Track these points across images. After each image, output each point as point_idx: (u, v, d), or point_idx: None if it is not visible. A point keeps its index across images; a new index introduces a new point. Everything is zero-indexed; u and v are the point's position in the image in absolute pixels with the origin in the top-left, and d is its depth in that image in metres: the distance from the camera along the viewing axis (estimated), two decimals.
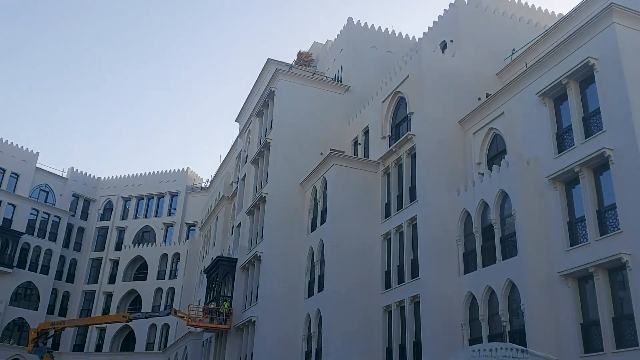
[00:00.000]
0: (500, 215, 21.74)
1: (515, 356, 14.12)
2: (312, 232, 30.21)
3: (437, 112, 26.01)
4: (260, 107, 36.89)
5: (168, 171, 62.14)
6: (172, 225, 60.02)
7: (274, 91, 34.70)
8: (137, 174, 63.15)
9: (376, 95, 31.10)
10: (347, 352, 25.18)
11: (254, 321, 29.48)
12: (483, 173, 23.35)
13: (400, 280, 25.51)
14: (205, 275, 39.31)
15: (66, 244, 58.60)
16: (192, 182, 62.34)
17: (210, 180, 60.29)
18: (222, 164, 54.57)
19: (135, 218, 61.32)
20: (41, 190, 58.71)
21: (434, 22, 32.98)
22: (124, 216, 61.76)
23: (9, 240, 52.44)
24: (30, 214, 55.41)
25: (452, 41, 29.85)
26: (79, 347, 55.92)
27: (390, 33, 39.08)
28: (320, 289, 27.63)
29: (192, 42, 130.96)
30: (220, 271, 34.67)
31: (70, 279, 58.86)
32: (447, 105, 26.25)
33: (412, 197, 25.87)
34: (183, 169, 62.06)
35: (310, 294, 28.91)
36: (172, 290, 54.87)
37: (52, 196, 59.38)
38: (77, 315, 56.58)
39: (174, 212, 60.47)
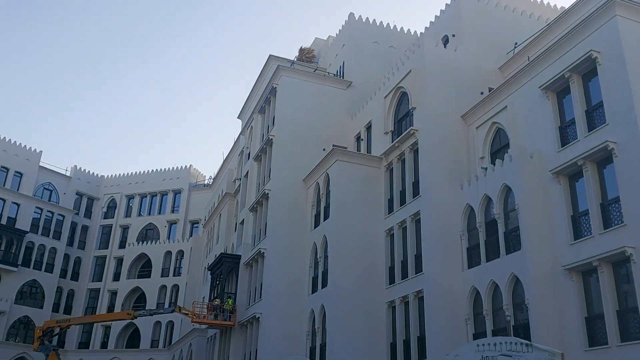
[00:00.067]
0: (504, 210, 21.71)
1: (520, 350, 14.09)
2: (315, 228, 30.23)
3: (440, 107, 25.96)
4: (263, 103, 36.87)
5: (171, 169, 62.24)
6: (175, 223, 60.13)
7: (275, 88, 34.67)
8: (140, 171, 63.26)
9: (378, 91, 31.05)
10: (351, 348, 25.23)
11: (258, 317, 29.55)
12: (486, 167, 23.32)
13: (404, 275, 25.52)
14: (209, 272, 39.38)
15: (70, 242, 58.79)
16: (195, 180, 62.43)
17: (213, 177, 60.37)
18: (224, 161, 54.62)
19: (139, 216, 61.44)
20: (45, 188, 58.86)
21: (436, 16, 32.87)
22: (128, 214, 61.90)
23: (14, 238, 52.63)
24: (34, 212, 55.58)
25: (454, 35, 29.76)
26: (84, 344, 56.16)
27: (392, 28, 38.98)
28: (324, 284, 27.66)
29: (193, 40, 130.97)
30: (224, 268, 34.73)
31: (75, 277, 59.07)
32: (449, 99, 26.19)
33: (415, 193, 25.85)
34: (186, 166, 62.13)
35: (314, 289, 28.95)
36: (176, 288, 55.02)
37: (56, 195, 59.53)
38: (82, 313, 56.80)
39: (177, 209, 60.57)
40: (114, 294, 57.46)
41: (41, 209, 56.16)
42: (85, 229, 61.13)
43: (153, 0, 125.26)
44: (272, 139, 33.33)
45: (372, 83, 33.26)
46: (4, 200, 53.45)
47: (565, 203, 19.82)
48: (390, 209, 27.74)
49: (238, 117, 48.88)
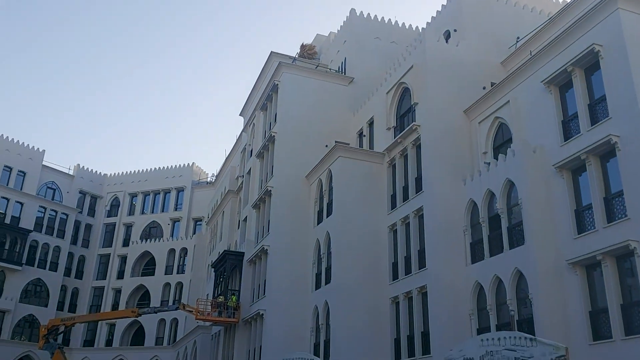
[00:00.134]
0: (507, 205, 21.69)
1: (524, 345, 14.09)
2: (318, 224, 30.24)
3: (442, 102, 25.91)
4: (265, 100, 36.86)
5: (173, 166, 62.31)
6: (178, 221, 60.24)
7: (277, 84, 34.66)
8: (142, 169, 63.37)
9: (380, 87, 31.01)
10: (355, 344, 25.27)
11: (262, 314, 29.61)
12: (489, 162, 23.28)
13: (408, 271, 25.54)
14: (212, 269, 39.47)
15: (74, 241, 58.96)
16: (197, 177, 62.50)
17: (215, 174, 60.43)
18: (227, 158, 54.65)
19: (142, 214, 61.57)
20: (48, 187, 59.01)
21: (438, 11, 32.80)
22: (131, 212, 62.05)
23: (18, 237, 52.81)
24: (38, 211, 55.73)
25: (455, 30, 29.68)
26: (89, 342, 56.38)
27: (393, 24, 38.90)
28: (328, 281, 27.70)
29: (194, 38, 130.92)
30: (228, 265, 34.79)
31: (79, 275, 59.26)
32: (451, 95, 26.14)
33: (418, 188, 25.83)
34: (188, 164, 62.18)
35: (318, 286, 28.99)
36: (180, 285, 55.15)
37: (59, 193, 59.68)
38: (86, 311, 56.99)
39: (180, 207, 60.67)
40: (118, 292, 57.63)
41: (45, 208, 56.32)
42: (88, 227, 61.30)
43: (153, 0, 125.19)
44: (274, 135, 33.33)
45: (374, 79, 33.21)
46: (8, 200, 53.59)
47: (568, 197, 19.79)
48: (393, 205, 27.74)
49: (240, 115, 48.87)
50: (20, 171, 55.94)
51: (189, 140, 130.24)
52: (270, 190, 31.96)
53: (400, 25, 39.07)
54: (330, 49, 40.98)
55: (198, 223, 60.07)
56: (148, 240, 58.41)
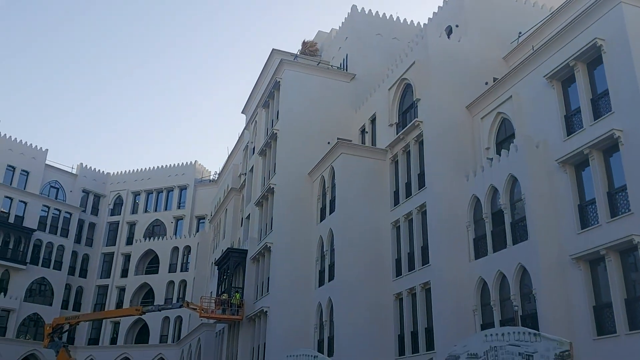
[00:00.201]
0: (510, 200, 21.66)
1: (528, 340, 14.09)
2: (321, 221, 30.26)
3: (444, 98, 25.87)
4: (266, 98, 36.85)
5: (176, 165, 62.38)
6: (182, 219, 60.34)
7: (279, 82, 34.64)
8: (145, 168, 63.46)
9: (382, 83, 30.97)
10: (359, 340, 25.30)
11: (266, 311, 29.66)
12: (492, 158, 23.25)
13: (411, 267, 25.54)
14: (216, 267, 39.53)
15: (78, 240, 59.11)
16: (200, 175, 62.57)
17: (218, 172, 60.50)
18: (229, 156, 54.67)
19: (145, 212, 61.68)
20: (51, 187, 59.15)
21: (439, 7, 32.70)
22: (134, 210, 62.16)
23: (21, 237, 52.97)
24: (42, 210, 55.87)
25: (457, 26, 29.61)
26: (93, 340, 56.57)
27: (395, 20, 38.83)
28: (331, 278, 27.72)
29: (196, 37, 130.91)
30: (231, 263, 34.85)
31: (83, 274, 59.42)
32: (454, 90, 26.09)
33: (421, 184, 25.81)
34: (191, 162, 62.24)
35: (321, 283, 29.01)
36: (184, 283, 55.27)
37: (63, 192, 59.81)
38: (91, 309, 57.18)
39: (184, 205, 60.75)
40: (122, 290, 57.78)
41: (48, 207, 56.46)
42: (92, 226, 61.44)
43: None
44: (276, 133, 33.33)
45: (376, 75, 33.16)
46: (11, 199, 53.73)
47: (571, 192, 19.75)
48: (396, 201, 27.73)
49: (242, 112, 48.83)
50: (24, 170, 56.06)
51: (192, 138, 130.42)
52: (273, 188, 31.97)
53: (401, 21, 39.01)
54: (332, 46, 40.93)
55: (201, 221, 60.16)
56: (151, 238, 58.51)
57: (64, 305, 56.02)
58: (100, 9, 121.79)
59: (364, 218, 27.71)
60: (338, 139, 30.79)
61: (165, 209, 61.19)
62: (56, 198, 58.71)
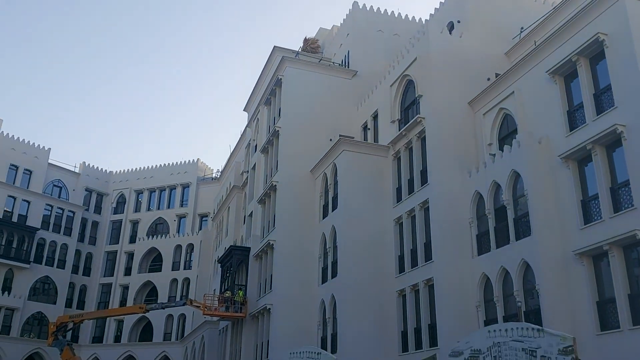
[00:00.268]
0: (513, 196, 21.63)
1: (531, 335, 14.07)
2: (323, 218, 30.26)
3: (446, 94, 25.83)
4: (268, 95, 36.83)
5: (179, 163, 62.43)
6: (184, 217, 60.40)
7: (281, 79, 34.61)
8: (148, 166, 63.54)
9: (384, 79, 30.92)
10: (362, 337, 25.32)
11: (269, 309, 29.70)
12: (494, 154, 23.22)
13: (414, 264, 25.54)
14: (219, 264, 39.58)
15: (81, 238, 59.23)
16: (202, 173, 62.59)
17: (220, 170, 60.51)
18: (232, 154, 54.69)
19: (148, 210, 61.77)
20: (54, 185, 59.24)
21: (441, 3, 32.63)
22: (137, 209, 62.23)
23: (25, 236, 53.10)
24: (45, 209, 55.97)
25: (459, 22, 29.55)
26: (98, 338, 56.72)
27: (396, 16, 38.75)
28: (334, 275, 27.73)
29: (197, 34, 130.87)
30: (234, 260, 34.89)
31: (87, 272, 59.55)
32: (456, 86, 26.04)
33: (424, 181, 25.79)
34: (193, 160, 62.29)
35: (324, 280, 29.03)
36: (187, 281, 55.36)
37: (66, 191, 59.91)
38: (94, 307, 57.30)
39: (186, 203, 60.81)
40: (125, 288, 57.89)
41: (51, 206, 56.57)
42: (95, 224, 61.55)
43: None
44: (278, 130, 33.32)
45: (378, 72, 33.12)
46: (15, 198, 53.84)
47: (574, 188, 19.71)
48: (399, 198, 27.71)
49: (244, 110, 48.84)
50: (27, 170, 56.15)
51: (194, 136, 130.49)
52: (275, 185, 31.98)
53: (403, 17, 38.94)
54: (333, 43, 40.88)
55: (204, 219, 60.21)
56: (154, 236, 58.60)
57: (68, 304, 56.17)
58: (101, 7, 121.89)
59: (367, 215, 27.70)
60: (340, 136, 30.77)
61: (168, 207, 61.25)
62: (59, 197, 58.81)
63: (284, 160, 32.32)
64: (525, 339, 14.21)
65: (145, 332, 55.67)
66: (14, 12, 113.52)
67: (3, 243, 51.58)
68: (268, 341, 29.59)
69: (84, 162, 62.52)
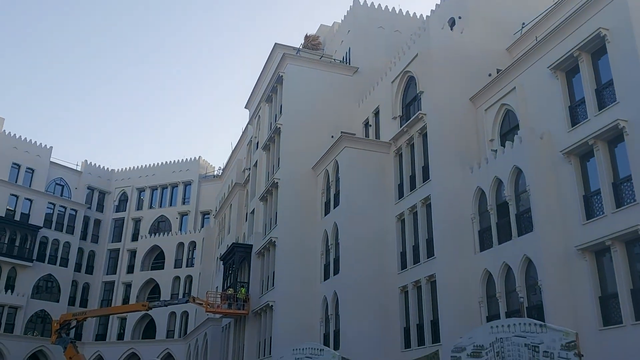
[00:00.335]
0: (515, 192, 21.61)
1: (534, 331, 14.08)
2: (325, 215, 30.27)
3: (448, 90, 25.79)
4: (269, 92, 36.82)
5: (180, 161, 62.48)
6: (186, 214, 60.47)
7: (282, 76, 34.59)
8: (150, 164, 63.58)
9: (385, 76, 30.89)
10: (364, 333, 25.35)
11: (272, 305, 29.75)
12: (496, 150, 23.20)
13: (416, 260, 25.55)
14: (221, 262, 39.64)
15: (84, 236, 59.33)
16: (204, 171, 62.65)
17: (222, 168, 60.54)
18: (233, 151, 54.71)
19: (150, 208, 61.85)
20: (56, 184, 59.32)
21: None
22: (139, 207, 62.31)
23: (28, 234, 53.20)
24: (47, 207, 56.07)
25: (460, 18, 29.49)
26: (101, 336, 56.88)
27: (397, 12, 38.70)
28: (336, 271, 27.76)
29: (198, 32, 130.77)
30: (236, 258, 34.93)
31: (90, 270, 59.68)
32: (457, 82, 26.00)
33: (425, 177, 25.78)
34: (195, 158, 62.31)
35: (326, 277, 29.06)
36: (189, 278, 55.46)
37: (68, 190, 60.00)
38: (97, 305, 57.46)
39: (188, 201, 60.88)
40: (128, 286, 58.02)
41: (54, 204, 56.66)
42: (97, 222, 61.65)
43: None
44: (280, 127, 33.32)
45: (379, 68, 33.08)
46: (17, 197, 53.93)
47: (576, 183, 19.69)
48: (401, 194, 27.71)
49: (245, 107, 48.85)
50: (29, 168, 56.23)
51: (195, 134, 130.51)
52: (277, 183, 32.00)
53: (404, 13, 38.87)
54: (334, 40, 40.83)
55: (206, 216, 60.27)
56: (157, 234, 58.69)
57: (71, 302, 56.31)
58: (101, 7, 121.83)
59: (369, 211, 27.71)
60: (342, 132, 30.77)
61: (170, 205, 61.33)
62: (61, 195, 58.89)
63: (285, 158, 32.32)
64: (527, 334, 14.22)
65: (148, 330, 55.81)
66: (15, 11, 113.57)
67: (6, 241, 51.70)
68: (271, 338, 29.65)
69: (86, 161, 62.62)
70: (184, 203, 60.97)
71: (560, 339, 13.53)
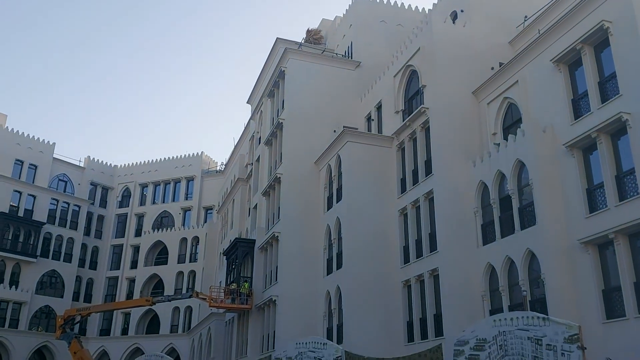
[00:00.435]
0: (518, 185, 21.59)
1: (537, 324, 14.08)
2: (328, 210, 30.29)
3: (450, 84, 25.73)
4: (271, 87, 36.78)
5: (183, 156, 62.52)
6: (189, 210, 60.56)
7: (284, 71, 34.54)
8: (152, 160, 63.62)
9: (387, 70, 30.82)
10: (368, 327, 25.40)
11: (275, 300, 29.81)
12: (499, 143, 23.15)
13: (419, 254, 25.56)
14: (224, 257, 39.72)
15: (87, 232, 59.46)
16: (207, 166, 62.68)
17: (225, 163, 60.58)
18: (236, 146, 54.72)
19: (153, 204, 61.92)
20: (60, 180, 59.41)
21: None
22: (142, 202, 62.41)
23: (31, 230, 53.35)
24: (51, 204, 56.19)
25: (462, 11, 29.38)
26: (105, 331, 57.09)
27: (399, 6, 38.57)
28: (339, 266, 27.79)
29: (199, 27, 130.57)
30: (239, 252, 34.99)
31: (93, 266, 59.85)
32: (460, 76, 25.94)
33: (428, 171, 25.76)
34: (197, 153, 62.34)
35: (329, 271, 29.10)
36: (193, 273, 55.59)
37: (71, 185, 60.11)
38: (101, 301, 57.64)
39: (191, 196, 60.94)
40: (132, 281, 58.19)
41: (57, 200, 56.76)
42: (101, 218, 61.78)
43: None
44: (282, 122, 33.30)
45: (381, 62, 33.00)
46: (20, 193, 54.05)
47: (579, 176, 19.66)
48: (403, 189, 27.70)
49: (247, 102, 48.83)
50: (32, 164, 56.32)
51: (198, 129, 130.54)
52: (280, 177, 32.01)
53: (406, 7, 38.75)
54: (336, 34, 40.73)
55: (209, 212, 60.35)
56: (160, 229, 58.79)
57: (75, 297, 56.47)
58: (103, 2, 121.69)
59: (371, 206, 27.71)
60: (344, 127, 30.73)
61: (173, 200, 61.41)
62: (64, 191, 58.99)
63: (288, 152, 32.32)
64: (530, 327, 14.22)
65: (152, 325, 55.99)
66: (17, 7, 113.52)
67: (10, 237, 51.86)
68: (274, 332, 29.73)
69: (89, 157, 62.68)
70: (186, 198, 61.03)
71: (563, 332, 13.53)
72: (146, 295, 54.38)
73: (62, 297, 54.55)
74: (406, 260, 26.45)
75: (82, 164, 61.83)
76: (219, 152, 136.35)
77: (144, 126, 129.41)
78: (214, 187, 59.63)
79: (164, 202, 61.75)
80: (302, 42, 40.59)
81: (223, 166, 61.16)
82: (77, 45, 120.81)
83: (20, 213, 53.61)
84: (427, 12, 35.93)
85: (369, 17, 37.24)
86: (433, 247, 24.48)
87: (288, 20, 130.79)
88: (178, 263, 56.45)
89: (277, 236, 30.96)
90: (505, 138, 23.22)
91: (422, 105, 26.43)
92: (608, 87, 19.30)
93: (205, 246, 54.68)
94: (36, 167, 56.54)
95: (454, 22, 27.97)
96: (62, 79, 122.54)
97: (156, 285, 57.37)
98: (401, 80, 29.17)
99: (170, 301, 39.82)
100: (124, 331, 56.13)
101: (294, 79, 33.98)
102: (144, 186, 62.91)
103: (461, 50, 26.49)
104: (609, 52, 19.33)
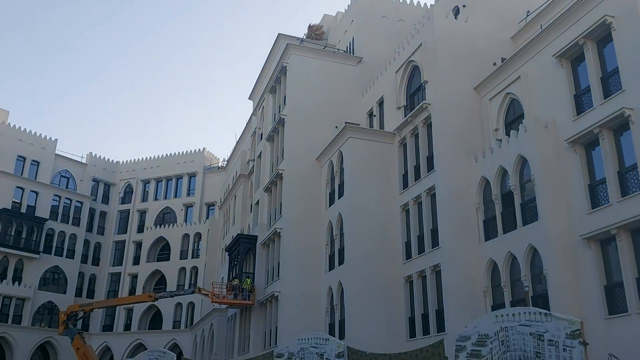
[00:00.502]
0: (520, 181, 21.57)
1: (539, 320, 14.07)
2: (330, 206, 30.30)
3: (452, 80, 25.68)
4: (273, 83, 36.74)
5: (185, 152, 62.55)
6: (191, 206, 60.61)
7: (285, 66, 34.49)
8: (154, 156, 63.66)
9: (389, 66, 30.77)
10: (369, 323, 25.44)
11: (277, 296, 29.86)
12: (501, 139, 23.12)
13: (421, 250, 25.57)
14: (226, 253, 39.77)
15: (89, 228, 59.58)
16: (209, 162, 62.70)
17: (227, 159, 60.59)
18: (237, 142, 54.71)
19: (155, 200, 61.98)
20: (62, 176, 59.49)
21: None
22: (144, 198, 62.47)
23: (34, 226, 53.47)
24: (53, 200, 56.29)
25: (464, 6, 29.28)
26: (108, 327, 57.26)
27: (401, 1, 38.45)
28: (341, 262, 27.82)
29: (201, 23, 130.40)
30: (241, 249, 35.03)
31: (96, 262, 59.99)
32: (461, 71, 25.89)
33: (430, 167, 25.75)
34: (199, 149, 62.36)
35: (331, 267, 29.13)
36: (195, 269, 55.68)
37: (73, 182, 60.19)
38: (104, 296, 57.78)
39: (193, 192, 61.00)
40: (134, 277, 58.31)
41: (59, 197, 56.87)
42: (103, 214, 61.87)
43: None
44: (284, 118, 33.28)
45: (383, 58, 32.95)
46: (23, 189, 54.14)
47: (581, 172, 19.63)
48: (405, 184, 27.69)
49: (249, 98, 48.79)
50: (34, 161, 56.39)
51: (200, 125, 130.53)
52: (282, 173, 32.01)
53: (407, 2, 38.64)
54: (338, 29, 40.64)
55: (211, 208, 60.41)
56: (162, 226, 58.88)
57: (78, 293, 56.64)
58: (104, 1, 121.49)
59: (373, 202, 27.71)
60: (346, 123, 30.71)
61: (175, 197, 61.47)
62: (67, 187, 59.09)
63: (289, 148, 32.31)
64: (532, 323, 14.20)
65: (154, 320, 56.15)
66: (19, 2, 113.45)
67: (12, 234, 51.98)
68: (276, 328, 29.79)
69: (91, 153, 62.73)
70: (188, 194, 61.09)
71: (566, 328, 13.52)
72: (149, 291, 54.52)
73: (64, 293, 54.72)
74: (408, 256, 26.46)
75: (84, 160, 61.91)
76: (221, 148, 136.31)
77: (146, 122, 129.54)
78: (215, 183, 59.67)
79: (166, 198, 61.82)
80: (304, 37, 40.52)
81: (225, 162, 61.19)
82: (80, 42, 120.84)
83: (23, 209, 53.75)
84: (428, 7, 35.75)
85: (370, 12, 37.16)
86: (435, 243, 24.48)
87: (290, 16, 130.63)
88: (180, 259, 56.56)
89: (279, 232, 30.99)
90: (508, 134, 23.18)
91: (424, 101, 26.39)
92: (611, 82, 19.24)
93: (208, 242, 54.76)
94: (38, 163, 56.61)
95: (455, 18, 27.88)
96: (64, 75, 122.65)
97: (158, 281, 57.49)
98: (403, 76, 29.12)
99: (172, 297, 39.85)
100: (127, 327, 56.28)
101: (295, 74, 33.94)
102: (146, 182, 62.97)
103: (463, 46, 26.44)
104: (611, 47, 19.27)
